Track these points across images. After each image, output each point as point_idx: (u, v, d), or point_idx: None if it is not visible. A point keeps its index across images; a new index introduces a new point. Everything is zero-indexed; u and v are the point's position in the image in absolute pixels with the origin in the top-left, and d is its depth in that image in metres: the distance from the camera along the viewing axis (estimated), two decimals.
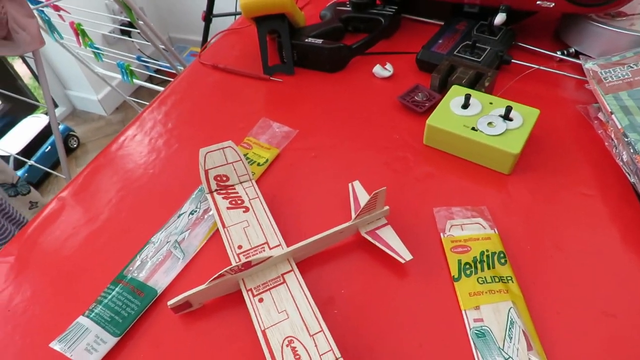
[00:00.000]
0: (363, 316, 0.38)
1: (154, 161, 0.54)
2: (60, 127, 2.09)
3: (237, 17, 0.97)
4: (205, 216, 0.46)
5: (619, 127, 0.46)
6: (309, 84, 0.64)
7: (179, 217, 0.47)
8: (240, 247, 0.42)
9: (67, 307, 0.40)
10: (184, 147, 0.56)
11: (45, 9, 1.35)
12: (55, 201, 0.50)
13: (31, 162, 1.75)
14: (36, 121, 2.08)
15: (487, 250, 0.41)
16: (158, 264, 0.42)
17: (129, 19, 1.25)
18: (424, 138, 0.53)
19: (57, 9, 1.34)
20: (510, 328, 0.35)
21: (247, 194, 0.47)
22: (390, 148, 0.53)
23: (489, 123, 0.48)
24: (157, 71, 1.98)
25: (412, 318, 0.38)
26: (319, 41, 0.65)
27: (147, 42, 1.34)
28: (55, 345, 0.36)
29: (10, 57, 2.05)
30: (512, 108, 0.48)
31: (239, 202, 0.46)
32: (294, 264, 0.40)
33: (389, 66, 0.64)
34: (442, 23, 0.69)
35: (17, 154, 1.87)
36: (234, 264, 0.38)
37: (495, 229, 0.43)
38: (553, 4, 0.58)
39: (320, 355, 0.33)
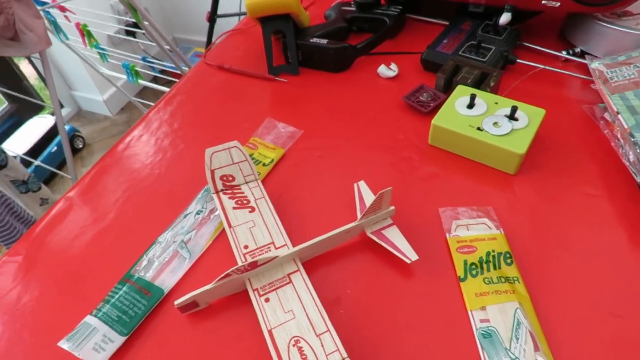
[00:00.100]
0: (369, 316, 0.38)
1: (160, 161, 0.55)
2: (66, 127, 2.10)
3: (242, 17, 0.98)
4: (212, 216, 0.47)
5: (626, 127, 0.46)
6: (314, 84, 0.64)
7: (185, 217, 0.47)
8: (246, 247, 0.42)
9: (74, 306, 0.41)
10: (190, 147, 0.56)
11: (51, 10, 1.36)
12: (62, 201, 0.51)
13: (37, 162, 1.76)
14: (42, 122, 2.09)
15: (493, 251, 0.41)
16: (165, 263, 0.43)
17: (133, 20, 1.25)
18: (429, 138, 0.53)
19: (63, 9, 1.35)
20: (516, 329, 0.35)
21: (252, 194, 0.47)
22: (395, 148, 0.53)
23: (495, 123, 0.48)
24: (162, 72, 1.98)
25: (418, 318, 0.38)
26: (324, 41, 0.65)
27: (151, 43, 1.35)
28: (64, 344, 0.36)
29: (16, 57, 2.06)
30: (517, 108, 0.48)
31: (245, 202, 0.46)
32: (300, 264, 0.40)
33: (393, 66, 0.64)
34: (447, 23, 0.69)
35: (24, 154, 1.89)
36: (240, 263, 0.38)
37: (501, 229, 0.43)
38: (559, 4, 0.58)
39: (326, 355, 0.33)
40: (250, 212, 0.45)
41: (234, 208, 0.46)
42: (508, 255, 0.40)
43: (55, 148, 2.05)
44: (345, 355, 0.33)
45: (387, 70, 0.63)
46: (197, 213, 0.47)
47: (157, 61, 1.60)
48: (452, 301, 0.38)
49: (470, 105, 0.51)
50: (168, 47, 1.38)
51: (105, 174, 0.54)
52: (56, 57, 2.12)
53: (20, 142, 1.98)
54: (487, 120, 0.49)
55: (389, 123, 0.56)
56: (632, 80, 0.50)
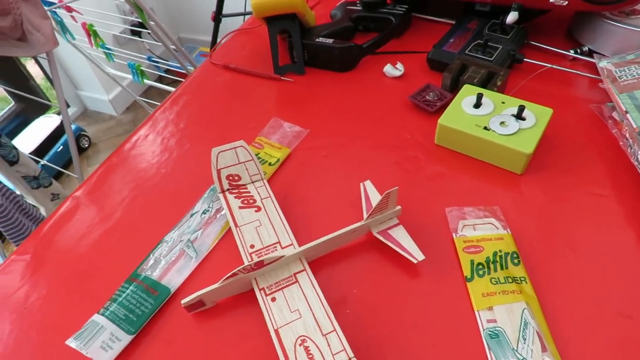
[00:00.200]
0: (375, 316, 0.38)
1: (166, 161, 0.55)
2: (72, 127, 2.12)
3: (247, 17, 0.98)
4: (218, 215, 0.47)
5: (634, 126, 0.46)
6: (320, 83, 0.64)
7: (191, 216, 0.47)
8: (252, 246, 0.42)
9: (82, 304, 0.41)
10: (196, 147, 0.56)
11: (58, 10, 1.37)
12: (69, 200, 0.51)
13: (44, 161, 1.77)
14: (48, 121, 2.11)
15: (500, 251, 0.40)
16: (171, 262, 0.43)
17: (139, 20, 1.26)
18: (435, 137, 0.52)
19: (69, 10, 1.35)
20: (524, 329, 0.35)
21: (259, 193, 0.47)
22: (401, 147, 0.53)
23: (502, 122, 0.48)
24: (167, 71, 1.99)
25: (425, 318, 0.38)
26: (330, 41, 0.65)
27: (157, 42, 1.35)
28: (71, 343, 0.36)
29: (23, 57, 2.08)
30: (524, 107, 0.48)
31: (251, 201, 0.46)
32: (306, 264, 0.40)
33: (399, 65, 0.64)
34: (454, 22, 0.69)
35: (30, 153, 1.90)
36: (246, 263, 0.38)
37: (508, 229, 0.43)
38: (566, 2, 0.58)
39: (333, 355, 0.33)
40: (256, 211, 0.46)
41: (240, 207, 0.46)
42: (515, 255, 0.40)
43: (61, 147, 2.06)
44: (351, 355, 0.33)
45: (393, 70, 0.63)
46: (204, 212, 0.47)
47: (162, 61, 1.60)
48: (459, 301, 0.38)
49: (477, 105, 0.50)
50: (173, 46, 1.38)
51: (111, 173, 0.54)
52: (62, 57, 2.14)
53: (26, 141, 2.00)
54: (494, 120, 0.48)
55: (395, 122, 0.56)
56: None
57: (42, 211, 1.18)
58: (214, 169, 0.46)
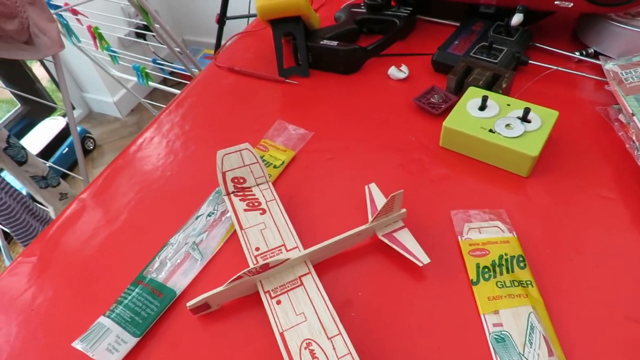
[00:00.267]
0: (380, 319, 0.38)
1: (172, 163, 0.55)
2: (77, 129, 2.13)
3: (251, 19, 0.98)
4: (223, 218, 0.47)
5: None
6: (324, 86, 0.64)
7: (196, 218, 0.47)
8: (257, 249, 0.42)
9: (88, 307, 0.41)
10: (201, 149, 0.57)
11: (63, 13, 1.38)
12: (76, 202, 0.51)
13: (49, 163, 1.78)
14: (54, 123, 2.12)
15: (506, 254, 0.40)
16: (177, 265, 0.43)
17: (143, 22, 1.26)
18: (440, 140, 0.52)
19: (75, 13, 1.36)
20: (530, 333, 0.35)
21: (264, 196, 0.47)
22: (406, 150, 0.53)
23: (507, 125, 0.48)
24: (171, 73, 2.00)
25: (430, 321, 0.37)
26: (334, 43, 0.65)
27: (161, 45, 1.36)
28: (78, 345, 0.36)
29: (29, 60, 2.09)
30: (530, 110, 0.48)
31: (256, 204, 0.47)
32: (311, 266, 0.40)
33: (404, 68, 0.64)
34: (458, 24, 0.69)
35: (36, 155, 1.91)
36: (251, 265, 0.38)
37: (514, 232, 0.42)
38: (572, 4, 0.57)
39: (338, 358, 0.33)
40: (261, 214, 0.46)
41: (245, 210, 0.46)
42: (521, 259, 0.40)
43: (66, 149, 2.07)
44: (357, 358, 0.33)
45: (397, 72, 0.63)
46: (209, 215, 0.47)
47: (167, 63, 1.61)
48: (465, 304, 0.38)
49: (482, 107, 0.50)
50: (178, 49, 1.39)
51: (117, 176, 0.54)
52: (68, 60, 2.15)
53: (32, 143, 2.01)
54: (499, 122, 0.48)
55: (399, 125, 0.56)
56: None
57: (51, 210, 1.19)
58: (219, 171, 0.47)
